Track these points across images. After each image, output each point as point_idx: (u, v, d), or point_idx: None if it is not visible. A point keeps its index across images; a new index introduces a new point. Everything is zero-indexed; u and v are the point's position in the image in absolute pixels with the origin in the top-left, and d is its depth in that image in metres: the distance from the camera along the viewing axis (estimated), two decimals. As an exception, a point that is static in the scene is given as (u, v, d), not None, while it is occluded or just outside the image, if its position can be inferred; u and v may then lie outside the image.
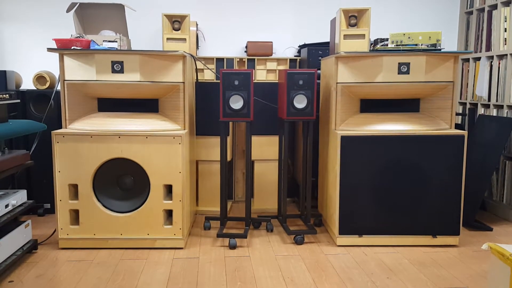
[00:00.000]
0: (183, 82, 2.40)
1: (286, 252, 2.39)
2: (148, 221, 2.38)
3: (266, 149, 3.08)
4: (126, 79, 2.34)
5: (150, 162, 2.34)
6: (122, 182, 2.42)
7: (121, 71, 2.33)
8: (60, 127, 2.85)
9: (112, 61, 2.32)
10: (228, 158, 3.04)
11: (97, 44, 2.48)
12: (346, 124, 2.47)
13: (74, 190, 2.38)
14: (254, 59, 3.25)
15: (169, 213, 2.46)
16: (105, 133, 2.32)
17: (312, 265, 2.22)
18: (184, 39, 2.62)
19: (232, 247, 2.43)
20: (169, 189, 2.44)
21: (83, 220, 2.37)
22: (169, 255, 2.34)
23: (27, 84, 3.37)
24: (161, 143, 2.33)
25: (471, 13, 3.44)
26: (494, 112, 3.08)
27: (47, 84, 2.95)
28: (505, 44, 3.00)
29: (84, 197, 2.35)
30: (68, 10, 2.83)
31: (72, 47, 2.36)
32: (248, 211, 2.62)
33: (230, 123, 3.08)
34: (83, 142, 2.32)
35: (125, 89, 2.37)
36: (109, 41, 2.49)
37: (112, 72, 2.33)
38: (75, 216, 2.40)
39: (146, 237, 2.39)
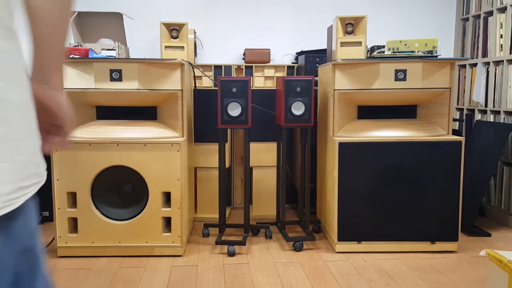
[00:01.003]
0: (181, 90, 2.41)
1: (285, 259, 2.39)
2: (146, 228, 2.37)
3: (264, 155, 3.09)
4: (125, 87, 2.35)
5: (149, 170, 2.35)
6: (120, 190, 2.42)
7: (120, 79, 2.34)
8: (59, 135, 2.85)
9: (110, 69, 2.33)
10: (227, 165, 3.05)
11: (96, 53, 2.50)
12: (344, 131, 2.48)
13: (72, 198, 2.38)
14: (252, 66, 3.26)
15: (167, 221, 2.46)
16: (103, 141, 2.32)
17: (311, 272, 2.22)
18: (182, 47, 2.63)
19: (231, 254, 2.43)
20: (167, 197, 2.44)
21: (81, 228, 2.37)
22: (167, 262, 2.33)
23: (26, 92, 3.37)
24: (159, 151, 2.34)
25: (467, 19, 3.46)
26: (491, 118, 3.10)
27: (46, 92, 2.95)
28: (501, 50, 3.02)
29: (82, 205, 2.35)
30: (66, 19, 2.84)
31: (71, 56, 2.37)
32: (247, 218, 2.62)
33: (228, 130, 3.09)
34: (82, 150, 2.32)
35: (123, 97, 2.38)
36: (108, 50, 2.50)
37: (111, 80, 2.34)
38: (73, 224, 2.40)
39: (144, 244, 2.39)
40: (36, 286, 0.69)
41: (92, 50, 2.47)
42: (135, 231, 2.37)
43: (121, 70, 2.33)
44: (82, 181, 2.34)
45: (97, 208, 2.37)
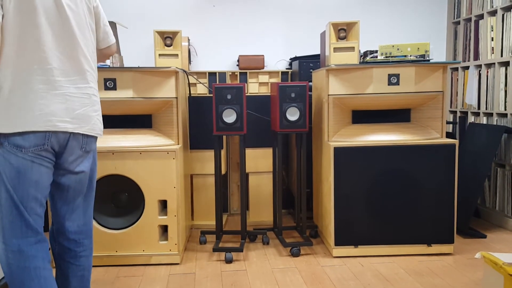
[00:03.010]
0: (176, 98, 2.42)
1: (282, 265, 2.39)
2: (143, 237, 2.37)
3: (260, 161, 3.10)
4: (119, 96, 2.35)
5: (145, 178, 2.34)
6: (116, 199, 2.42)
7: (114, 88, 2.34)
8: (54, 145, 2.84)
9: (104, 79, 2.33)
10: (223, 171, 3.05)
11: (90, 62, 2.50)
12: (338, 135, 2.49)
13: (68, 208, 2.37)
14: (246, 72, 3.28)
15: (164, 229, 2.46)
16: (98, 150, 2.32)
17: (309, 277, 2.22)
18: (176, 55, 2.64)
19: (228, 261, 2.43)
20: (164, 205, 2.44)
21: (77, 238, 2.35)
22: (165, 271, 2.33)
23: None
24: (155, 159, 2.34)
25: (458, 23, 3.50)
26: (484, 120, 3.13)
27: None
28: (493, 53, 3.06)
29: (78, 214, 2.34)
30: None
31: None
32: (244, 224, 2.62)
33: (224, 136, 3.09)
34: (77, 160, 2.31)
35: (118, 105, 2.38)
36: (102, 59, 2.50)
37: (105, 89, 2.34)
38: (69, 234, 2.39)
39: (141, 253, 2.38)
40: None
41: (86, 59, 2.47)
42: (131, 240, 2.37)
43: (115, 79, 2.34)
44: (78, 190, 2.32)
45: (93, 217, 2.36)
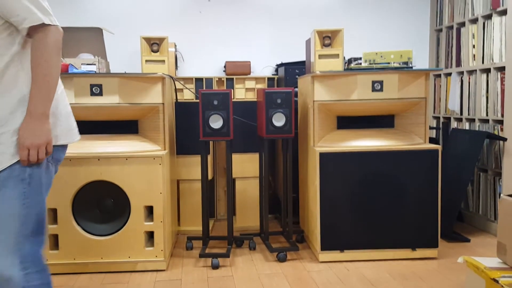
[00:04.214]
0: (163, 103, 2.42)
1: (269, 270, 2.40)
2: (129, 243, 2.35)
3: (247, 166, 3.10)
4: (105, 101, 2.34)
5: (130, 184, 2.33)
6: (102, 205, 2.40)
7: (100, 93, 2.34)
8: (38, 151, 2.81)
9: (90, 84, 2.33)
10: (209, 177, 3.05)
11: (76, 68, 2.49)
12: (324, 141, 2.52)
13: (53, 215, 2.35)
14: (233, 78, 3.29)
15: (150, 235, 2.44)
16: (84, 156, 2.31)
17: (295, 282, 2.23)
18: (163, 61, 2.64)
19: (215, 267, 2.43)
20: (150, 210, 2.43)
21: (62, 245, 2.33)
22: (151, 277, 2.31)
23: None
24: (141, 164, 2.33)
25: (440, 30, 3.57)
26: (466, 126, 3.19)
27: (24, 108, 2.91)
28: (474, 60, 3.12)
29: (63, 221, 2.32)
30: (45, 34, 2.83)
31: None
32: (230, 229, 2.62)
33: (211, 142, 3.10)
34: (62, 166, 2.29)
35: (104, 111, 2.37)
36: (88, 64, 2.50)
37: (91, 95, 2.33)
38: (54, 241, 2.36)
39: (127, 260, 2.36)
40: None
41: (72, 65, 2.47)
42: (117, 246, 2.35)
43: (101, 84, 2.33)
44: (63, 197, 2.31)
45: (78, 224, 2.34)
